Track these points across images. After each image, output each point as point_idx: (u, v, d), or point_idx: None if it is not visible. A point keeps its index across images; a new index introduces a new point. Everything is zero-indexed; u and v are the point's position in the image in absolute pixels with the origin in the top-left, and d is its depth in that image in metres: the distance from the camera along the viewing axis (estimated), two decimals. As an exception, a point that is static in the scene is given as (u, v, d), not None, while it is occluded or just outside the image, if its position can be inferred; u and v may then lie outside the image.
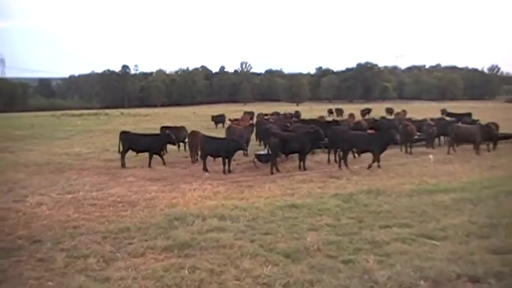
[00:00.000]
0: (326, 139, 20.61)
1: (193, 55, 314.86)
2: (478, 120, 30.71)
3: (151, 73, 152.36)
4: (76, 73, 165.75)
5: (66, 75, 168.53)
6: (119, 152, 20.88)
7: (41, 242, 9.87)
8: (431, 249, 8.90)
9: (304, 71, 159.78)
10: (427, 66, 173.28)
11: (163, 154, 21.49)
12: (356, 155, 21.09)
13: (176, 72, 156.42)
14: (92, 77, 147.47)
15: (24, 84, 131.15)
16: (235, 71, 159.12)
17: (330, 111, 60.04)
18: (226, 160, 18.88)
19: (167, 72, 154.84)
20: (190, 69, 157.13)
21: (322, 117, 40.71)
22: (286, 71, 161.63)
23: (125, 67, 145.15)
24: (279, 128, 23.67)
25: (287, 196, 13.94)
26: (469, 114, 39.72)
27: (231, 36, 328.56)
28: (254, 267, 8.24)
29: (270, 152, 19.32)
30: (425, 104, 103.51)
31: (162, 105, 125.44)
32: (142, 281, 7.71)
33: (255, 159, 20.09)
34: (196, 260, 8.63)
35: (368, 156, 19.76)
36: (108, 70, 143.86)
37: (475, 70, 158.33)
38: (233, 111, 63.75)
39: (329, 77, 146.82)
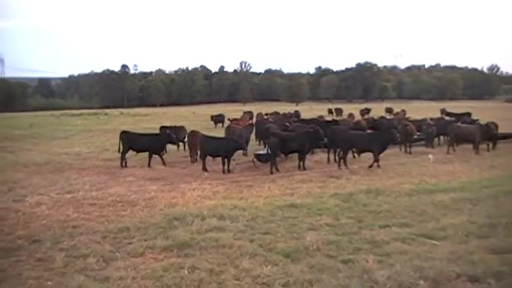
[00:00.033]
0: (325, 139, 20.63)
1: (192, 55, 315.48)
2: (477, 120, 30.72)
3: (151, 73, 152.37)
4: (75, 73, 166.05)
5: (65, 75, 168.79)
6: (118, 151, 20.86)
7: (41, 242, 9.86)
8: (431, 249, 8.90)
9: (304, 71, 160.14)
10: (426, 66, 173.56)
11: (163, 154, 21.45)
12: (356, 154, 21.08)
13: (175, 71, 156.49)
14: (91, 77, 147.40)
15: (24, 84, 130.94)
16: (235, 71, 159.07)
17: (330, 111, 60.01)
18: (226, 160, 18.88)
19: (166, 71, 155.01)
20: (189, 68, 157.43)
21: (321, 116, 40.70)
22: (285, 70, 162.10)
23: (124, 67, 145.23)
24: (279, 127, 23.67)
25: (286, 196, 13.93)
26: (469, 114, 39.72)
27: (230, 36, 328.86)
28: (253, 266, 8.23)
29: (269, 151, 19.30)
30: (424, 103, 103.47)
31: (162, 105, 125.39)
32: (141, 281, 7.71)
33: (255, 159, 20.08)
34: (196, 259, 8.63)
35: (368, 156, 19.78)
36: (108, 70, 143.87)
37: (474, 70, 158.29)
38: (232, 111, 63.78)
39: (328, 76, 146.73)
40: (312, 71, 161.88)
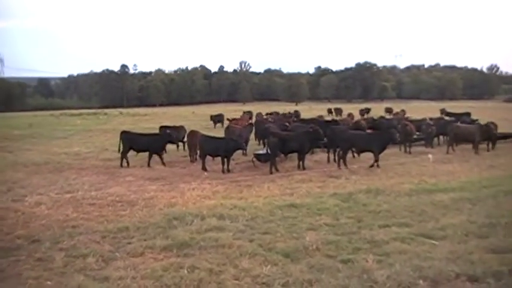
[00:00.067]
0: (325, 139, 20.63)
1: (192, 55, 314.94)
2: (477, 120, 30.77)
3: (150, 73, 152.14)
4: (75, 73, 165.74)
5: (65, 74, 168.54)
6: (118, 151, 20.85)
7: (40, 242, 9.86)
8: (430, 249, 8.91)
9: (303, 71, 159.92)
10: (426, 66, 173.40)
11: (162, 154, 21.43)
12: (355, 154, 21.07)
13: (175, 71, 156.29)
14: (90, 77, 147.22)
15: (23, 83, 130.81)
16: (234, 71, 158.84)
17: (329, 111, 60.02)
18: (225, 160, 18.88)
19: (166, 71, 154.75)
20: (189, 68, 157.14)
21: (321, 116, 40.69)
22: (285, 70, 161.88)
23: (123, 67, 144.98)
24: (278, 127, 23.68)
25: (286, 196, 13.94)
26: (468, 114, 39.74)
27: (230, 36, 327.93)
28: (253, 266, 8.24)
29: (269, 151, 19.30)
30: (424, 103, 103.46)
31: (161, 105, 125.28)
32: (141, 281, 7.71)
33: (254, 159, 20.08)
34: (195, 259, 8.63)
35: (367, 156, 19.80)
36: (107, 70, 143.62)
37: (474, 70, 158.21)
38: (232, 110, 63.74)
39: (328, 76, 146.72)
40: (312, 70, 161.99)
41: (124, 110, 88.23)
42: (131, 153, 20.86)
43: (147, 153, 20.62)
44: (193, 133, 22.33)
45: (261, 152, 21.15)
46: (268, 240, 9.69)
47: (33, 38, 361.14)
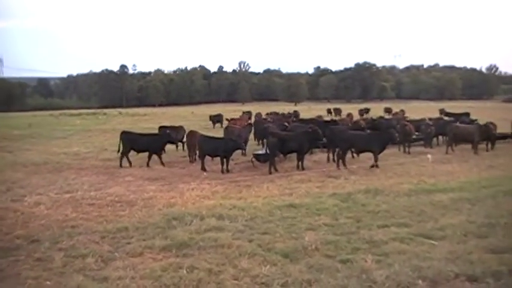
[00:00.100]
0: (324, 139, 20.64)
1: (191, 55, 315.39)
2: (476, 120, 30.75)
3: (150, 73, 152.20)
4: (74, 73, 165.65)
5: (64, 74, 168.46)
6: (118, 151, 20.84)
7: (39, 242, 9.85)
8: (430, 249, 8.91)
9: (303, 71, 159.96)
10: (425, 66, 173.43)
11: (161, 154, 21.42)
12: (354, 154, 21.08)
13: (174, 71, 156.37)
14: (90, 77, 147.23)
15: (22, 83, 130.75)
16: (234, 71, 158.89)
17: (329, 111, 60.02)
18: (225, 160, 18.88)
19: (165, 71, 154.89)
20: (188, 68, 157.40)
21: (320, 116, 40.68)
22: (284, 70, 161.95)
23: (123, 67, 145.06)
24: (277, 127, 23.68)
25: (285, 196, 13.93)
26: (467, 114, 39.78)
27: (229, 36, 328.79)
28: (252, 266, 8.23)
29: (268, 151, 19.30)
30: (423, 103, 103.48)
31: (160, 105, 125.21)
32: (140, 281, 7.70)
33: (253, 159, 20.08)
34: (195, 259, 8.63)
35: (367, 156, 19.84)
36: (107, 70, 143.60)
37: (473, 70, 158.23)
38: (231, 110, 63.74)
39: (327, 76, 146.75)
40: (311, 71, 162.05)
41: (123, 110, 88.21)
42: (131, 153, 20.83)
43: (146, 154, 20.61)
44: (192, 133, 22.31)
45: (260, 152, 21.17)
46: (267, 240, 9.69)
47: (33, 38, 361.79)
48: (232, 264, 8.41)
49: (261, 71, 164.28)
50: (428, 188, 14.48)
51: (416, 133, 25.79)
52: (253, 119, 38.99)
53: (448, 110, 48.72)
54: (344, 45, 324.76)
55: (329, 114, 56.79)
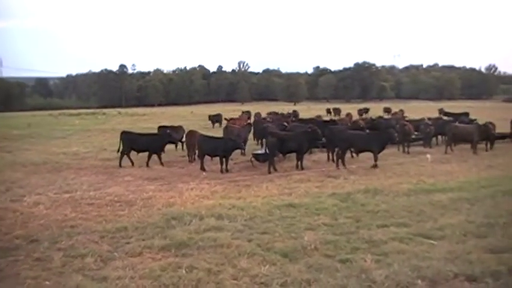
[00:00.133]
0: (323, 139, 20.64)
1: (190, 54, 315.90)
2: (475, 120, 30.75)
3: (149, 72, 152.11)
4: (73, 72, 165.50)
5: (63, 74, 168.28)
6: (118, 151, 20.82)
7: (38, 242, 9.84)
8: (429, 249, 8.92)
9: (302, 71, 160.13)
10: (424, 66, 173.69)
11: (161, 154, 21.41)
12: (354, 154, 21.07)
13: (174, 71, 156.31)
14: (89, 77, 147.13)
15: (22, 83, 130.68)
16: (233, 71, 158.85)
17: (328, 111, 60.04)
18: (224, 159, 18.87)
19: (165, 71, 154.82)
20: (187, 68, 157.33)
21: (319, 116, 40.67)
22: (283, 70, 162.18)
23: (122, 66, 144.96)
24: (277, 127, 23.69)
25: (284, 195, 13.93)
26: (467, 114, 39.80)
27: (228, 36, 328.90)
28: (252, 266, 8.23)
29: (267, 151, 19.30)
30: (422, 103, 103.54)
31: (160, 105, 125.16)
32: (139, 281, 7.70)
33: (253, 159, 20.08)
34: (194, 259, 8.63)
35: (366, 156, 19.86)
36: (106, 69, 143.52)
37: (472, 70, 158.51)
38: (231, 110, 63.78)
39: (327, 76, 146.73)
40: (310, 70, 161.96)
41: (122, 110, 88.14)
42: (132, 154, 20.81)
43: (145, 153, 20.59)
44: (191, 133, 22.30)
45: (259, 151, 21.17)
46: (266, 240, 9.69)
47: (33, 38, 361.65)
48: (231, 264, 8.41)
49: (260, 71, 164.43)
50: (428, 188, 14.49)
51: (416, 133, 25.80)
52: (252, 119, 38.98)
53: (447, 110, 48.74)
54: (343, 45, 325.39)
55: (328, 114, 56.76)
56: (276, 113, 43.08)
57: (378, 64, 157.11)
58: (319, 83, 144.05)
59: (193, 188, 15.16)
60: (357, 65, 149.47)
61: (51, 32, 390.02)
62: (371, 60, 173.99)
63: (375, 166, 18.61)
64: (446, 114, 44.23)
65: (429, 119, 30.94)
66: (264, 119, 33.93)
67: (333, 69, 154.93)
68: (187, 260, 8.60)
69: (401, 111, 48.88)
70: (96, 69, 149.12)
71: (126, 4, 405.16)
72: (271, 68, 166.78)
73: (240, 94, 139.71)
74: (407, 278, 7.45)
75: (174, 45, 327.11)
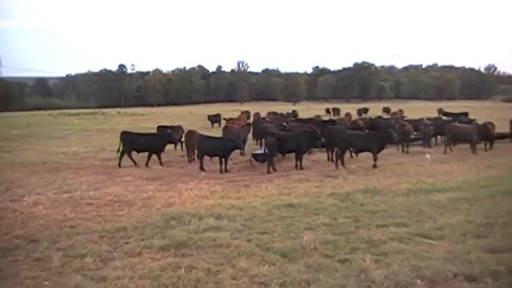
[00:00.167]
0: (323, 138, 20.64)
1: (190, 54, 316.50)
2: (474, 120, 30.75)
3: (148, 72, 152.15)
4: (73, 72, 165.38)
5: (63, 74, 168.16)
6: (118, 152, 20.80)
7: (38, 242, 9.84)
8: (428, 249, 8.92)
9: (301, 70, 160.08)
10: (424, 66, 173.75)
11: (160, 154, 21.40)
12: (353, 154, 21.08)
13: (173, 71, 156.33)
14: (88, 76, 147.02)
15: (21, 83, 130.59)
16: (232, 70, 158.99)
17: (327, 111, 60.07)
18: (223, 159, 18.87)
19: (164, 71, 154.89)
20: (187, 68, 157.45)
21: (319, 116, 40.66)
22: (283, 70, 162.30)
23: (121, 66, 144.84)
24: (276, 127, 23.68)
25: (284, 195, 13.94)
26: (466, 114, 39.77)
27: (227, 36, 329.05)
28: (251, 266, 8.24)
29: (266, 151, 19.29)
30: (422, 103, 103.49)
31: (159, 105, 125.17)
32: (139, 281, 7.70)
33: (252, 159, 20.08)
34: (193, 259, 8.63)
35: (365, 156, 19.86)
36: (105, 69, 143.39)
37: (472, 70, 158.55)
38: (230, 110, 63.78)
39: (326, 76, 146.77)
40: (310, 70, 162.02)
41: (122, 110, 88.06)
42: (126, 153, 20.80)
43: (144, 153, 20.59)
44: (191, 133, 22.30)
45: (258, 151, 21.18)
46: (266, 240, 9.69)
47: (33, 38, 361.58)
48: (230, 264, 8.41)
49: (260, 71, 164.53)
50: (427, 188, 14.50)
51: (415, 133, 25.81)
52: (251, 119, 38.97)
53: (446, 110, 48.73)
54: (343, 45, 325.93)
55: (327, 114, 56.80)
56: (275, 113, 43.07)
57: (377, 64, 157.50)
58: (319, 83, 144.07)
59: (193, 188, 15.16)
60: (356, 65, 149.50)
61: (51, 32, 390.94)
62: (370, 60, 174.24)
63: (375, 166, 18.61)
64: (446, 114, 44.22)
65: (428, 119, 30.90)
66: (264, 118, 33.91)
67: (332, 69, 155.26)
68: (186, 260, 8.60)
69: (401, 111, 48.79)
70: (96, 69, 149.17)
71: (125, 4, 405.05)
72: (270, 67, 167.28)
73: (239, 94, 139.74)
74: (406, 278, 7.45)
75: (174, 45, 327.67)
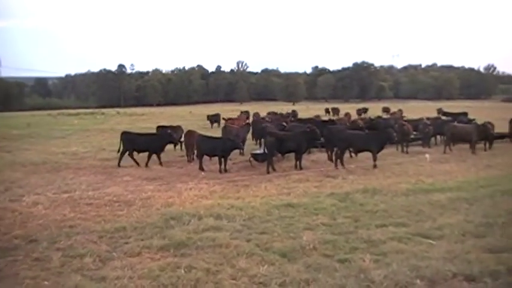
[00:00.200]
0: (322, 138, 20.64)
1: (189, 54, 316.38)
2: (474, 120, 30.76)
3: (148, 72, 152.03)
4: (72, 72, 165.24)
5: (62, 74, 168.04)
6: (118, 152, 20.78)
7: (37, 242, 9.84)
8: (428, 248, 8.92)
9: (301, 70, 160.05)
10: (423, 66, 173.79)
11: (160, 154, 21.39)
12: (353, 154, 21.08)
13: (172, 71, 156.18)
14: (88, 76, 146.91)
15: (21, 83, 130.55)
16: (232, 70, 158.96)
17: (327, 111, 60.10)
18: (223, 159, 18.87)
19: (163, 71, 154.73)
20: (186, 68, 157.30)
21: (318, 116, 40.66)
22: (282, 70, 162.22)
23: (121, 66, 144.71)
24: (275, 127, 23.68)
25: (283, 195, 13.94)
26: (465, 114, 39.77)
27: (227, 36, 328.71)
28: (250, 266, 8.24)
29: (266, 151, 19.29)
30: (421, 103, 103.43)
31: (158, 105, 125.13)
32: (138, 281, 7.70)
33: (251, 159, 20.09)
34: (193, 259, 8.63)
35: (365, 156, 19.86)
36: (105, 69, 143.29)
37: (471, 69, 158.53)
38: (229, 110, 63.74)
39: (325, 76, 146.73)
40: (309, 70, 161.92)
41: (121, 110, 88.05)
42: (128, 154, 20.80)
43: (144, 153, 20.57)
44: (190, 133, 22.30)
45: (258, 151, 21.18)
46: (265, 240, 9.69)
47: (33, 38, 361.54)
48: (230, 263, 8.41)
49: (259, 71, 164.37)
50: (426, 188, 14.50)
51: (414, 133, 25.80)
52: (251, 119, 38.97)
53: (446, 110, 48.78)
54: (342, 44, 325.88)
55: (327, 114, 56.88)
56: (275, 113, 43.07)
57: (377, 64, 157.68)
58: (318, 83, 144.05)
59: (192, 188, 15.15)
60: (355, 64, 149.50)
61: (50, 32, 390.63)
62: (370, 60, 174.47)
63: (374, 166, 18.61)
64: (445, 114, 44.25)
65: (428, 118, 30.89)
66: (263, 118, 33.92)
67: (331, 69, 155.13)
68: (186, 260, 8.60)
69: (400, 111, 48.76)
70: (95, 69, 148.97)
71: (125, 4, 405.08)
72: (269, 67, 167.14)
73: (238, 94, 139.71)
74: (406, 278, 7.45)
75: (173, 45, 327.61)
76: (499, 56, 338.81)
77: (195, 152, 20.98)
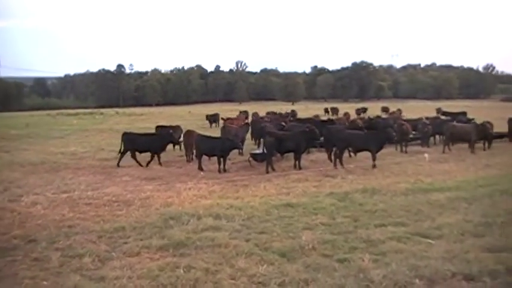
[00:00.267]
0: (321, 138, 20.64)
1: (188, 54, 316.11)
2: (473, 119, 30.77)
3: (147, 72, 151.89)
4: (71, 72, 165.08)
5: (61, 74, 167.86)
6: (119, 152, 20.76)
7: (36, 242, 9.82)
8: (427, 248, 8.92)
9: (300, 70, 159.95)
10: (422, 65, 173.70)
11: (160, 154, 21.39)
12: (352, 154, 21.08)
13: (171, 71, 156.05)
14: (87, 77, 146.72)
15: (20, 83, 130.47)
16: (231, 70, 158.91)
17: (326, 110, 60.13)
18: (222, 159, 18.87)
19: (162, 71, 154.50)
20: (185, 68, 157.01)
21: (317, 116, 40.69)
22: (281, 70, 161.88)
23: (120, 66, 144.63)
24: (275, 127, 23.68)
25: (282, 195, 13.93)
26: (464, 113, 39.83)
27: (226, 36, 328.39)
28: (249, 266, 8.23)
29: (265, 151, 19.29)
30: (420, 103, 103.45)
31: (157, 105, 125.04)
32: (137, 280, 7.69)
33: (250, 159, 20.08)
34: (192, 259, 8.62)
35: (364, 156, 19.86)
36: (103, 69, 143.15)
37: (470, 69, 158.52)
38: (228, 110, 63.75)
39: (324, 76, 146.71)
40: (308, 70, 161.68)
41: (120, 110, 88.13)
42: (128, 154, 20.78)
43: (143, 153, 20.56)
44: (189, 133, 22.31)
45: (257, 151, 21.18)
46: (264, 239, 9.69)
47: (32, 38, 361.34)
48: (229, 263, 8.40)
49: (258, 71, 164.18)
50: (425, 187, 14.51)
51: (414, 132, 25.82)
52: (250, 119, 38.98)
53: (445, 109, 48.88)
54: (341, 44, 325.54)
55: (326, 114, 56.90)
56: (274, 113, 43.09)
57: (376, 64, 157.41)
58: (317, 83, 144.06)
59: (191, 188, 15.14)
60: (354, 64, 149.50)
61: (50, 32, 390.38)
62: (369, 59, 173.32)
63: (374, 166, 18.61)
64: (444, 113, 44.31)
65: (427, 118, 30.95)
66: (262, 118, 33.93)
67: (330, 69, 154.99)
68: (185, 259, 8.59)
69: (399, 110, 48.90)
70: (94, 69, 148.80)
71: (124, 4, 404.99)
72: (269, 67, 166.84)
73: (237, 94, 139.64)
74: (405, 278, 7.45)
75: (172, 45, 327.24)
76: (498, 56, 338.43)
77: (194, 151, 20.97)
